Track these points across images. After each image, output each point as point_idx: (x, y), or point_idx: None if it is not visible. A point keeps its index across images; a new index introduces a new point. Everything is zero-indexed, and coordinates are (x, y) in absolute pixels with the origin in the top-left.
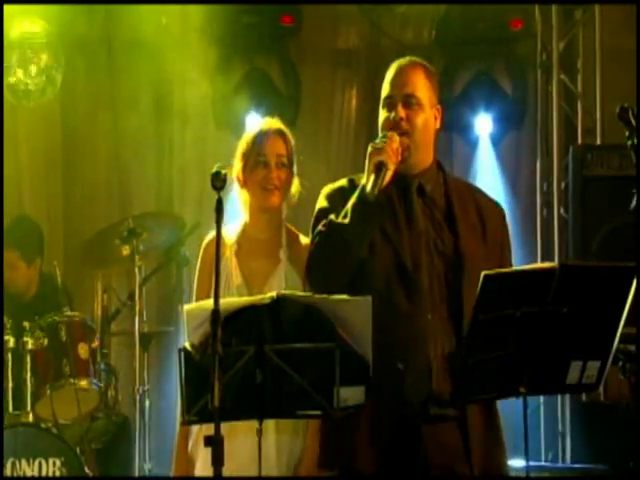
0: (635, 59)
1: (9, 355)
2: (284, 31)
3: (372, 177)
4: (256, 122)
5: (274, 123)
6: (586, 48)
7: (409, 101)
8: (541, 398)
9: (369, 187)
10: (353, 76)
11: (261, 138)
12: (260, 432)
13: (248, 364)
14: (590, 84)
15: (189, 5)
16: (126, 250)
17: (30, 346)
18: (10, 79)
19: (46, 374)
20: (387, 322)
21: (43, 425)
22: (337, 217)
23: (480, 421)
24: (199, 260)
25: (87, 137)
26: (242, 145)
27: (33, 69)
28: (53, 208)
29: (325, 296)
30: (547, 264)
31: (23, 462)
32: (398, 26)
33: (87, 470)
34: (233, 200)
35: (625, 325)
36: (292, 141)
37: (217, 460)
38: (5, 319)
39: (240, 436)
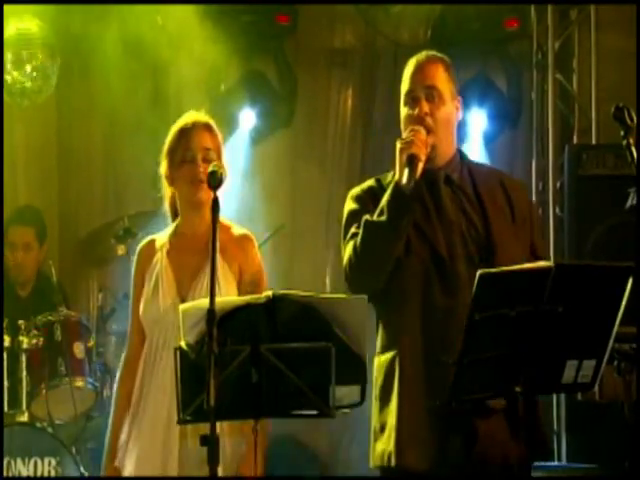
0: (631, 58)
1: (4, 354)
2: (280, 30)
3: (406, 170)
4: (184, 117)
5: (198, 116)
6: (581, 48)
7: (431, 94)
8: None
9: (404, 180)
10: (349, 76)
11: (186, 133)
12: (256, 432)
13: (244, 363)
14: (585, 84)
15: (185, 5)
16: (121, 249)
17: (25, 345)
18: (5, 78)
19: (41, 373)
20: (428, 319)
21: (38, 424)
22: (371, 216)
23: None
24: (134, 264)
25: (82, 136)
26: (167, 142)
27: (28, 68)
28: (48, 207)
29: (321, 295)
30: (543, 263)
31: (18, 461)
32: (394, 26)
33: (83, 470)
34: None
35: (621, 324)
36: (219, 134)
37: (212, 459)
38: None
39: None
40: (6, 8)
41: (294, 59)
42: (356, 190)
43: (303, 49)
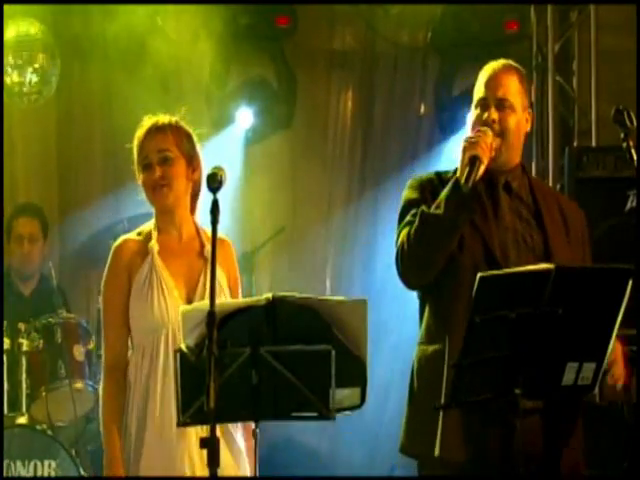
0: (631, 60)
1: (4, 357)
2: (279, 32)
3: (466, 170)
4: (140, 125)
5: (151, 120)
6: (581, 50)
7: (502, 104)
8: None
9: (463, 179)
10: (348, 78)
11: (140, 140)
12: (256, 434)
13: (244, 366)
14: (585, 86)
15: (185, 6)
16: None
17: (25, 348)
18: (5, 80)
19: (41, 376)
20: None
21: (38, 427)
22: (428, 208)
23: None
24: (110, 264)
25: (82, 138)
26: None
27: (29, 70)
28: (48, 208)
29: (321, 297)
30: (542, 265)
31: (18, 464)
32: (393, 28)
33: (82, 472)
34: (228, 201)
35: (621, 327)
36: (181, 130)
37: (212, 461)
38: None
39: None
40: (7, 11)
41: (294, 61)
42: (416, 180)
43: (303, 51)
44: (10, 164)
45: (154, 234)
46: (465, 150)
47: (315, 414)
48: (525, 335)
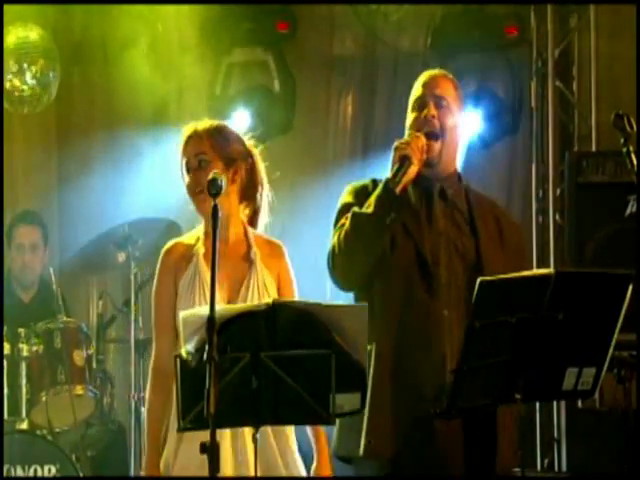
0: (631, 65)
1: (4, 362)
2: (279, 37)
3: (395, 167)
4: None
5: (192, 127)
6: (581, 55)
7: (440, 102)
8: (537, 405)
9: (391, 175)
10: (349, 83)
11: (182, 146)
12: (256, 439)
13: (244, 371)
14: (585, 91)
15: (185, 12)
16: (122, 256)
17: (25, 353)
18: (5, 86)
19: (41, 381)
20: (406, 315)
21: (38, 432)
22: (359, 209)
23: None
24: (159, 267)
25: (83, 143)
26: None
27: (29, 75)
28: (48, 214)
29: (321, 303)
30: (543, 270)
31: (18, 469)
32: (394, 33)
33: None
34: None
35: (621, 332)
36: (221, 134)
37: (212, 466)
38: None
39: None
40: (7, 16)
41: (294, 66)
42: (353, 185)
43: (303, 56)
44: (10, 168)
45: (201, 237)
46: (396, 150)
47: (315, 419)
48: (525, 340)
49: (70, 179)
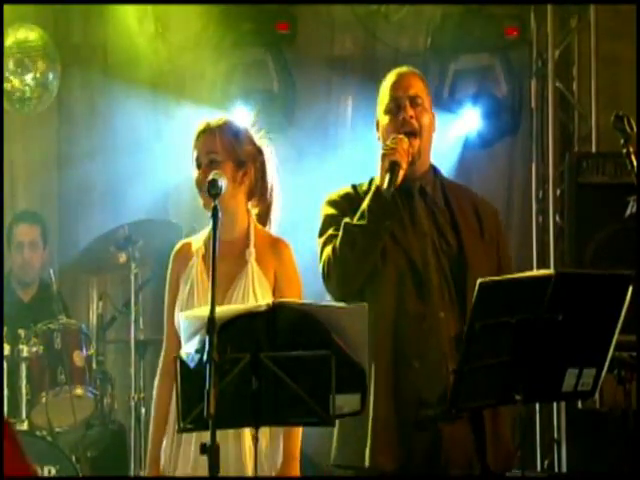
0: (631, 66)
1: (4, 363)
2: (279, 38)
3: (387, 176)
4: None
5: (205, 123)
6: (581, 56)
7: (415, 102)
8: (537, 406)
9: (385, 185)
10: (349, 83)
11: (194, 140)
12: (256, 440)
13: (244, 371)
14: (585, 91)
15: (184, 12)
16: (122, 257)
17: (25, 354)
18: (6, 86)
19: (41, 382)
20: (401, 323)
21: (38, 433)
22: (351, 220)
23: (492, 420)
24: (169, 268)
25: (83, 144)
26: None
27: (29, 76)
28: (48, 215)
29: (321, 303)
30: (543, 271)
31: None
32: (394, 33)
33: None
34: None
35: (621, 333)
36: (232, 131)
37: (212, 467)
38: None
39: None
40: (7, 17)
41: (294, 66)
42: (332, 196)
43: (303, 56)
44: (10, 169)
45: (206, 236)
46: (384, 157)
47: (315, 420)
48: (525, 341)
49: (70, 179)
